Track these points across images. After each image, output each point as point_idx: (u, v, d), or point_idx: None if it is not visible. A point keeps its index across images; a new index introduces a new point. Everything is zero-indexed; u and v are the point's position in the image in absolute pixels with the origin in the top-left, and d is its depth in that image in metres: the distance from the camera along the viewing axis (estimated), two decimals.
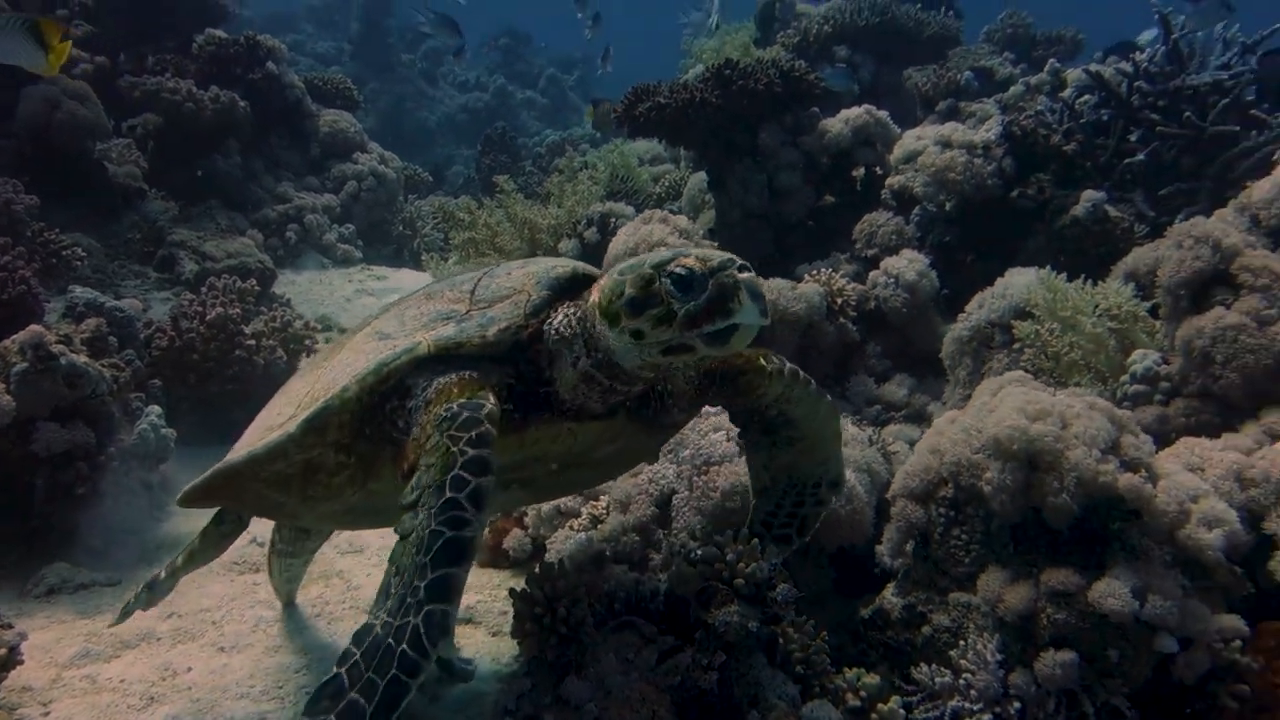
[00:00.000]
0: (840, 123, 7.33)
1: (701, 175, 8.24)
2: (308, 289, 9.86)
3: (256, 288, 7.12)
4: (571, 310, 2.70)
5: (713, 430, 4.25)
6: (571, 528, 4.48)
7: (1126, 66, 6.81)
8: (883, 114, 7.42)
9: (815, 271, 6.12)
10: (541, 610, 3.28)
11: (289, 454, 2.71)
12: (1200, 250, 4.45)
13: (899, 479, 3.88)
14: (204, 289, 6.56)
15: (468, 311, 2.73)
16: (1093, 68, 7.28)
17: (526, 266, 2.90)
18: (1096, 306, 4.95)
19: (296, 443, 2.67)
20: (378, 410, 2.65)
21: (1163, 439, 4.30)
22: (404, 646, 2.14)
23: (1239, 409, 4.17)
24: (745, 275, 2.45)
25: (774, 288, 5.83)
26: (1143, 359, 4.54)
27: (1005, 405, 3.67)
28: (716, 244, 7.17)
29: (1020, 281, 5.39)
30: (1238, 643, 3.32)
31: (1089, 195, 6.22)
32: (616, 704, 3.13)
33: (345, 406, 2.62)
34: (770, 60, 7.38)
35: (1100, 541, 3.44)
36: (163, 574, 3.69)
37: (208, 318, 6.12)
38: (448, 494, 2.30)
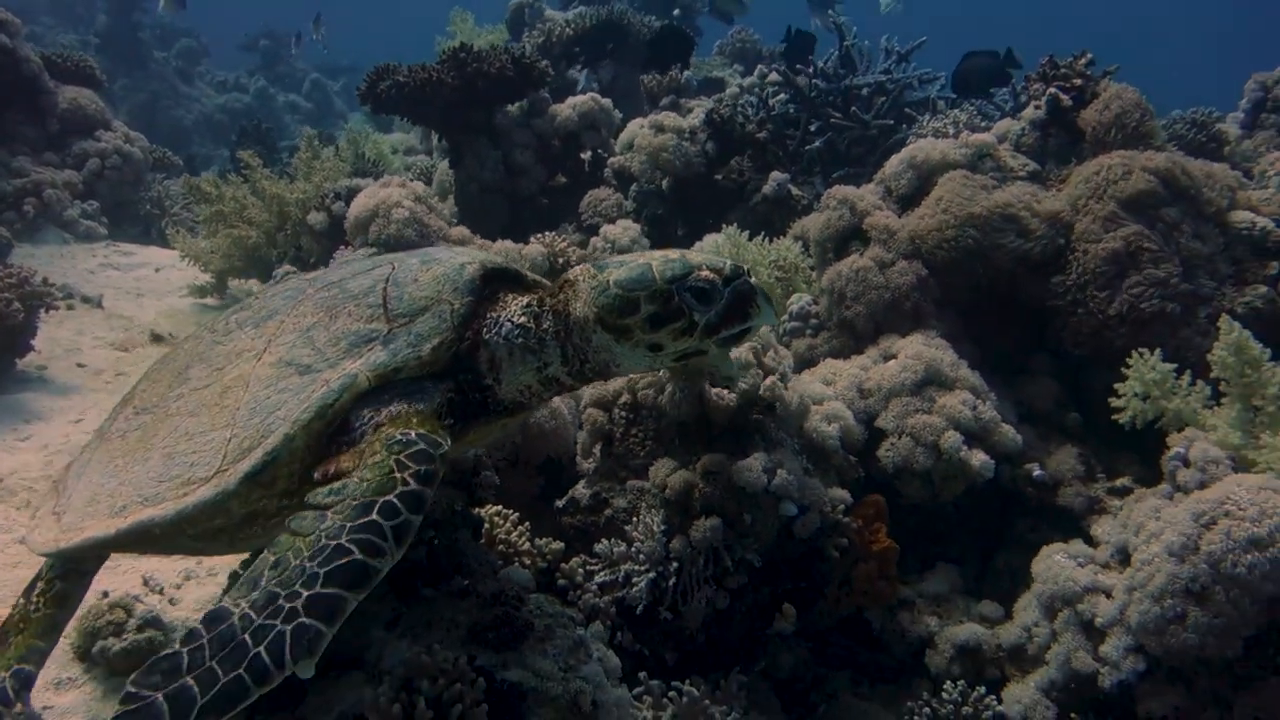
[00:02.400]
0: (569, 108, 7.95)
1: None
2: (48, 262, 9.46)
3: None
4: (524, 319, 2.61)
5: None
6: None
7: (810, 68, 7.78)
8: (606, 102, 8.09)
9: (541, 235, 6.67)
10: None
11: (230, 509, 2.46)
12: (842, 211, 5.32)
13: (589, 391, 4.46)
14: None
15: (390, 330, 2.53)
16: (785, 68, 8.22)
17: (430, 267, 2.70)
18: (771, 260, 5.76)
19: (240, 497, 2.42)
20: (324, 451, 2.44)
21: (811, 363, 5.12)
22: (261, 649, 1.91)
23: (865, 336, 5.03)
24: (755, 280, 2.49)
25: (503, 249, 6.34)
26: (798, 300, 5.36)
27: None
28: (458, 219, 7.62)
29: (711, 240, 6.15)
30: (842, 508, 4.11)
31: (775, 176, 7.10)
32: None
33: (294, 456, 2.40)
34: (503, 47, 7.89)
35: (747, 435, 4.14)
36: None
37: None
38: (374, 516, 2.12)
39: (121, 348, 7.14)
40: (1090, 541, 4.15)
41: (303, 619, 1.96)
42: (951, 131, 6.46)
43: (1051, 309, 4.93)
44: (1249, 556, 3.10)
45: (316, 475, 2.36)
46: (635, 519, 4.08)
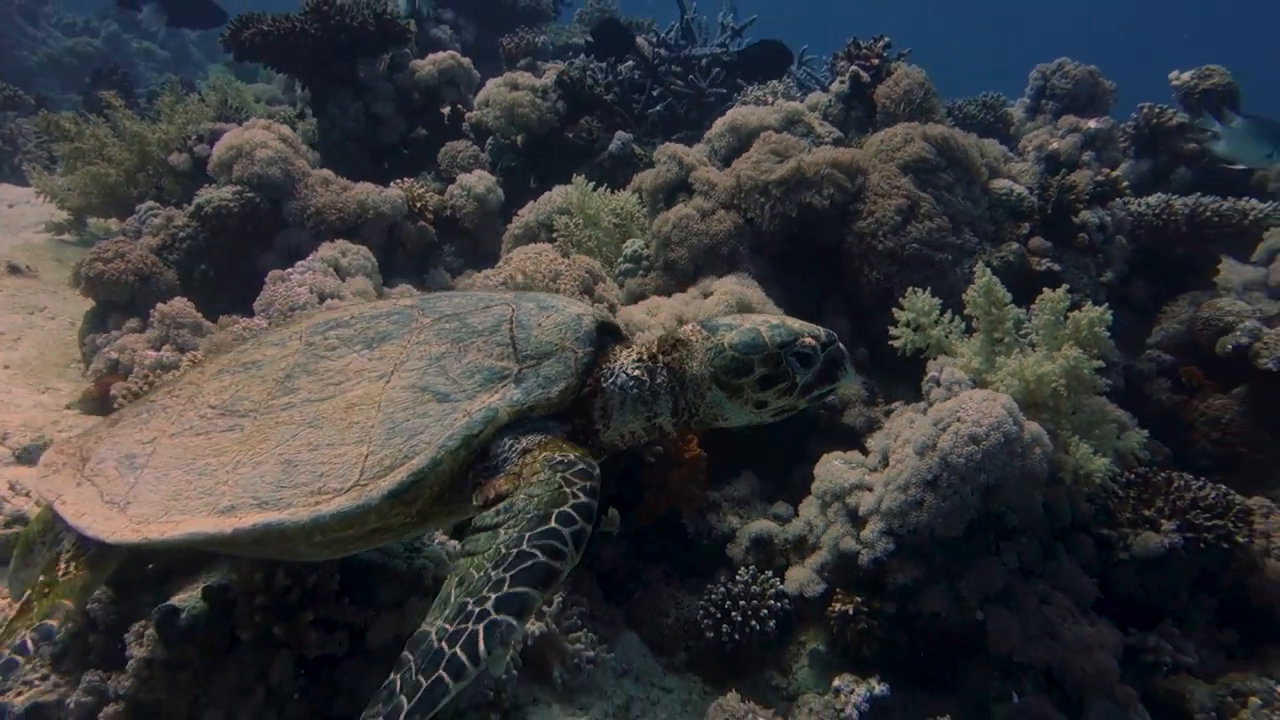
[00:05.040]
0: (430, 65, 8.13)
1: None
2: None
3: None
4: (638, 371, 2.73)
5: None
6: None
7: (654, 38, 8.18)
8: (466, 60, 8.29)
9: (400, 180, 6.89)
10: None
11: (366, 521, 2.51)
12: (671, 165, 5.76)
13: None
14: None
15: (520, 370, 2.61)
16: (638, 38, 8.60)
17: (549, 314, 2.76)
18: (611, 208, 6.17)
19: (379, 512, 2.48)
20: (463, 477, 2.54)
21: (641, 298, 5.56)
22: (456, 649, 2.04)
23: (687, 276, 5.50)
24: (842, 345, 2.69)
25: (364, 190, 6.55)
26: (632, 245, 5.79)
27: (514, 261, 4.70)
28: (321, 165, 7.72)
29: (561, 190, 6.51)
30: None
31: (620, 135, 7.49)
32: None
33: (439, 478, 2.48)
34: (366, 2, 7.98)
35: None
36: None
37: None
38: (552, 524, 2.21)
39: None
40: (865, 452, 4.75)
41: (493, 616, 2.06)
42: (771, 100, 6.98)
43: (845, 254, 5.51)
44: (968, 449, 3.72)
45: (477, 501, 2.43)
46: None
